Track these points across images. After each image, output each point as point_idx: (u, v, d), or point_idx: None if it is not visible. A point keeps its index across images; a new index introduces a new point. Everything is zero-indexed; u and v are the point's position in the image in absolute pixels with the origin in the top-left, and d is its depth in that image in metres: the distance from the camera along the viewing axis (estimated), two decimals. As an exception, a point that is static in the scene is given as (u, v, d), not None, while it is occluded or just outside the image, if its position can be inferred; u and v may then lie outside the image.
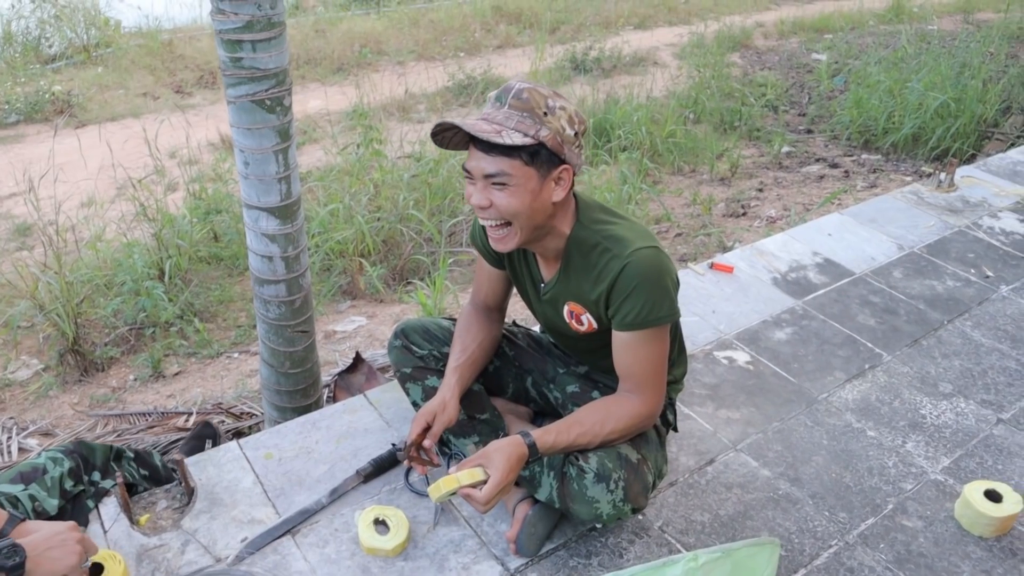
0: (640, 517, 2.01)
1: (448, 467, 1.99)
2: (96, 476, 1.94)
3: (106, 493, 1.95)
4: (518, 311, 3.63)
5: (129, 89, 7.50)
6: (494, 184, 1.63)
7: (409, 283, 4.42)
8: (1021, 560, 1.98)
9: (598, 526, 1.91)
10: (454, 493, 1.67)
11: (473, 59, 8.58)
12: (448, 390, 1.90)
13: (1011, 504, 2.03)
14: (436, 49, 8.91)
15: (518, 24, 9.89)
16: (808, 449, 2.27)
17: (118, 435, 2.97)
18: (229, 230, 4.65)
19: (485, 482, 1.64)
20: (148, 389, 3.60)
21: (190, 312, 4.07)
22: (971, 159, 5.67)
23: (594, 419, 1.74)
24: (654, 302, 1.69)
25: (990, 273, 3.20)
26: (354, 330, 3.95)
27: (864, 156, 6.09)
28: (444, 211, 4.76)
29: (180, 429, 2.90)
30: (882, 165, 5.87)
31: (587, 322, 1.85)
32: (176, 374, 3.72)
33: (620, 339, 1.76)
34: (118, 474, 1.93)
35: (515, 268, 1.97)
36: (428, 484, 1.79)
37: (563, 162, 1.65)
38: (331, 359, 3.49)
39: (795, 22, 10.20)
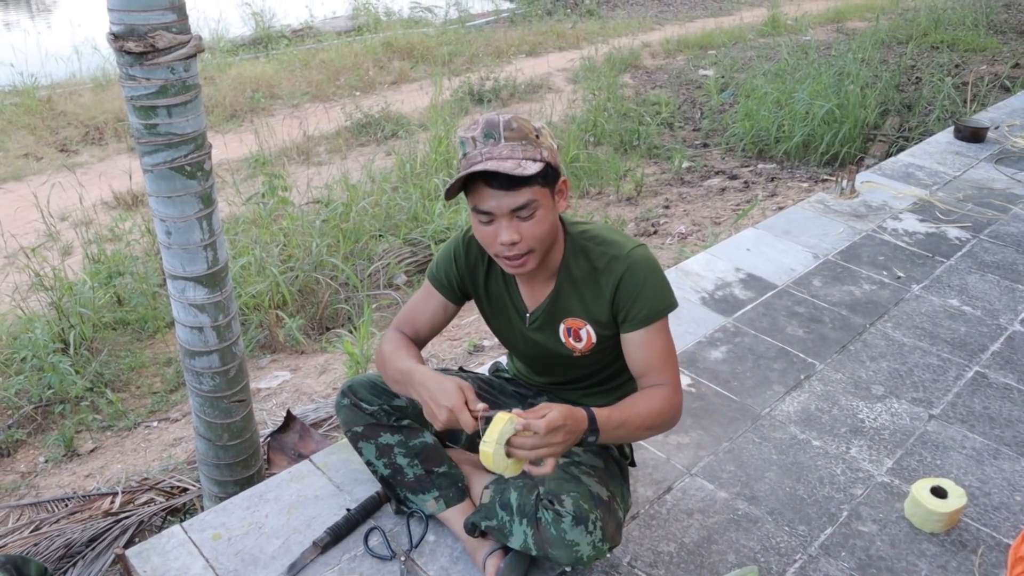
0: (609, 555, 1.98)
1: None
2: (31, 584, 1.80)
3: (43, 601, 1.81)
4: (443, 349, 3.58)
5: (8, 151, 7.11)
6: (521, 216, 1.63)
7: (329, 330, 4.31)
8: (971, 551, 2.05)
9: (568, 569, 1.88)
10: (507, 443, 1.48)
11: (369, 97, 8.51)
12: (443, 374, 1.69)
13: (956, 498, 2.11)
14: (331, 89, 8.80)
15: (411, 59, 9.88)
16: (759, 466, 2.30)
17: (35, 527, 2.76)
18: (134, 292, 4.44)
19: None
20: (63, 471, 3.38)
21: (101, 383, 3.85)
22: (859, 161, 5.96)
23: (647, 404, 1.72)
24: (662, 293, 1.76)
25: (901, 274, 3.34)
26: (279, 385, 3.82)
27: (760, 166, 6.30)
28: (358, 255, 4.67)
29: (108, 513, 2.72)
30: (778, 173, 6.08)
31: (587, 336, 1.84)
32: (92, 451, 3.51)
33: (634, 340, 1.78)
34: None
35: (493, 305, 1.93)
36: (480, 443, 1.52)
37: (559, 175, 1.69)
38: (259, 419, 3.35)
39: (679, 40, 10.52)
